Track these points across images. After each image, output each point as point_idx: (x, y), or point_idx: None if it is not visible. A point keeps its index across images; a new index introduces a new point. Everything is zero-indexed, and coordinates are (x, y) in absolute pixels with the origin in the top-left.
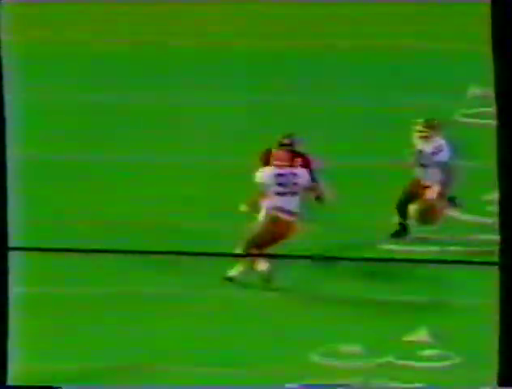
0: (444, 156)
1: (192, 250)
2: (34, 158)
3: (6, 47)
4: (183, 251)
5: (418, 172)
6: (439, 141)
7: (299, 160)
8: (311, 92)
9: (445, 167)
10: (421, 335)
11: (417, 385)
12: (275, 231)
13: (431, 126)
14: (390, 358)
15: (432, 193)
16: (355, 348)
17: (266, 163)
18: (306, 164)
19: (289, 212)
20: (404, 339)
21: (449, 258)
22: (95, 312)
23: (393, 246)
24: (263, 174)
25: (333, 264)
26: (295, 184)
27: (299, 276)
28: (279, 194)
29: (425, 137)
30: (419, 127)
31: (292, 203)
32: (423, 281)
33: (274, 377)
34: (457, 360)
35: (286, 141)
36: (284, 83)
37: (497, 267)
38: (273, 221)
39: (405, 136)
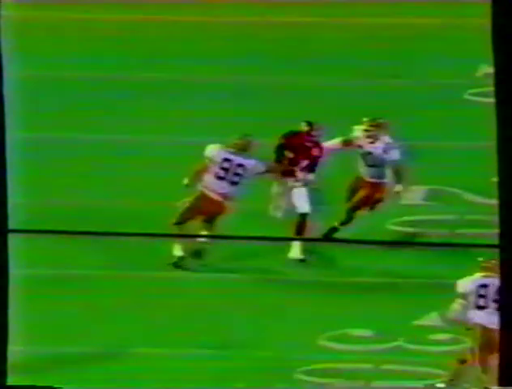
0: (395, 154)
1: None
2: (34, 139)
3: (5, 24)
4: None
5: (365, 171)
6: (387, 139)
7: (315, 151)
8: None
9: (396, 166)
10: (433, 319)
11: (428, 369)
12: (199, 206)
13: (377, 125)
14: (401, 342)
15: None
16: (365, 333)
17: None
18: (317, 155)
19: (218, 193)
20: (415, 323)
21: (454, 241)
22: (92, 295)
23: (400, 228)
24: (213, 151)
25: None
26: (236, 174)
27: (310, 261)
28: (219, 177)
29: (372, 136)
30: (365, 127)
31: (225, 188)
32: (434, 264)
33: (282, 360)
34: (469, 344)
35: (306, 128)
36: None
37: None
38: (199, 198)
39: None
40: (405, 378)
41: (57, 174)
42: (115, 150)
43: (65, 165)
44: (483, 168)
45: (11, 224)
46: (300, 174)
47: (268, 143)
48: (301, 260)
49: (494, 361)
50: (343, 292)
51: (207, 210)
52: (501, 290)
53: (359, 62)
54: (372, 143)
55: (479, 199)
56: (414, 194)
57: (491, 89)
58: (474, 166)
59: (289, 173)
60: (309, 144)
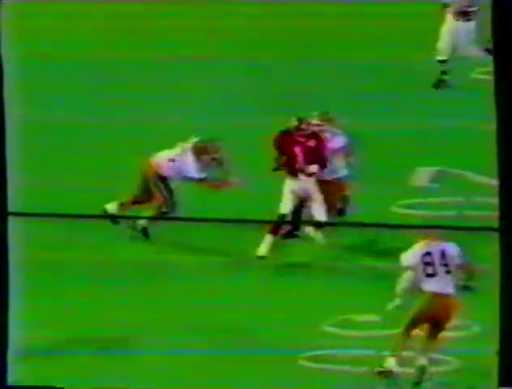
0: (338, 141)
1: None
2: (33, 121)
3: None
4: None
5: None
6: (335, 132)
7: (311, 142)
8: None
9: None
10: None
11: (435, 355)
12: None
13: (326, 119)
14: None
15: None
16: (370, 318)
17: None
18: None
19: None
20: None
21: (462, 223)
22: (91, 279)
23: (408, 211)
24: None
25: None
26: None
27: (315, 248)
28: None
29: (321, 131)
30: (314, 121)
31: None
32: None
33: (287, 345)
34: (476, 329)
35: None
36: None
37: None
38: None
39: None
40: (411, 364)
41: (57, 157)
42: (116, 132)
43: (66, 148)
44: (491, 148)
45: (11, 208)
46: (305, 169)
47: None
48: (261, 257)
49: (447, 326)
50: (348, 277)
51: None
52: (501, 275)
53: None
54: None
55: (486, 180)
56: (420, 176)
57: None
58: (482, 147)
59: (294, 171)
60: (301, 139)
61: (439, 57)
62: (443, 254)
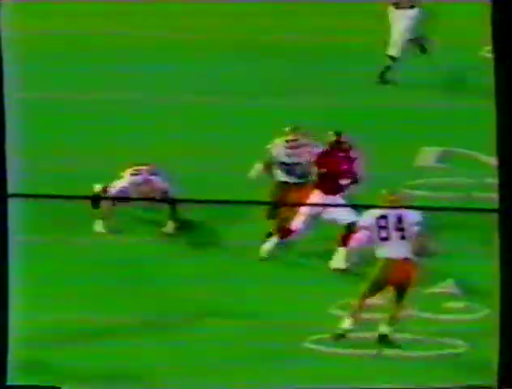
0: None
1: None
2: (34, 100)
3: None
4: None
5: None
6: (316, 144)
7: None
8: None
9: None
10: (447, 286)
11: (441, 339)
12: None
13: (300, 134)
14: (414, 311)
15: None
16: (376, 301)
17: None
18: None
19: None
20: (428, 290)
21: (467, 204)
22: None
23: (414, 192)
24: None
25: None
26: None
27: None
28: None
29: (295, 147)
30: (289, 137)
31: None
32: (447, 229)
33: (293, 329)
34: (485, 312)
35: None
36: None
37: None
38: None
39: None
40: (418, 347)
41: (58, 136)
42: (119, 110)
43: (65, 127)
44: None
45: (11, 189)
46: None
47: None
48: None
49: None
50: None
51: None
52: (500, 257)
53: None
54: (295, 151)
55: (494, 161)
56: (427, 156)
57: None
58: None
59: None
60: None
61: (389, 53)
62: (399, 220)
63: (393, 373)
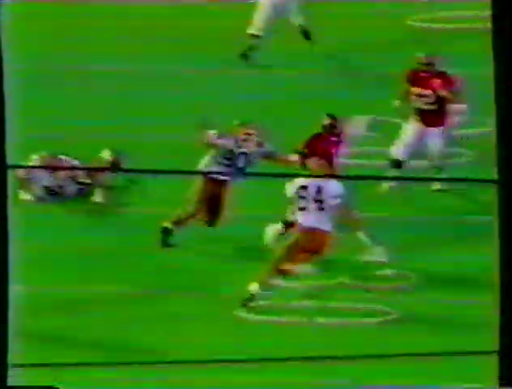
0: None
1: None
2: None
3: None
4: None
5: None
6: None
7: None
8: None
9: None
10: (378, 254)
11: (373, 306)
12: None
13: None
14: (345, 279)
15: None
16: (306, 269)
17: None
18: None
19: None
20: (360, 258)
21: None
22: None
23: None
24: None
25: None
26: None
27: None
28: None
29: (251, 140)
30: (250, 131)
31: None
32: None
33: (222, 297)
34: (419, 279)
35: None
36: None
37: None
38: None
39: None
40: (350, 315)
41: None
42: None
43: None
44: None
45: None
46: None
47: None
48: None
49: (308, 259)
50: None
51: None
52: (499, 229)
53: None
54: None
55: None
56: (357, 125)
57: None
58: None
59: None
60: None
61: (251, 31)
62: (319, 190)
63: (325, 340)
